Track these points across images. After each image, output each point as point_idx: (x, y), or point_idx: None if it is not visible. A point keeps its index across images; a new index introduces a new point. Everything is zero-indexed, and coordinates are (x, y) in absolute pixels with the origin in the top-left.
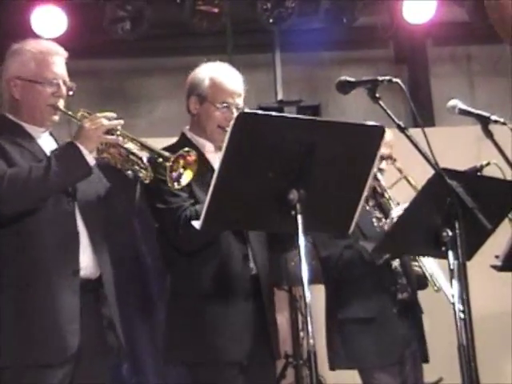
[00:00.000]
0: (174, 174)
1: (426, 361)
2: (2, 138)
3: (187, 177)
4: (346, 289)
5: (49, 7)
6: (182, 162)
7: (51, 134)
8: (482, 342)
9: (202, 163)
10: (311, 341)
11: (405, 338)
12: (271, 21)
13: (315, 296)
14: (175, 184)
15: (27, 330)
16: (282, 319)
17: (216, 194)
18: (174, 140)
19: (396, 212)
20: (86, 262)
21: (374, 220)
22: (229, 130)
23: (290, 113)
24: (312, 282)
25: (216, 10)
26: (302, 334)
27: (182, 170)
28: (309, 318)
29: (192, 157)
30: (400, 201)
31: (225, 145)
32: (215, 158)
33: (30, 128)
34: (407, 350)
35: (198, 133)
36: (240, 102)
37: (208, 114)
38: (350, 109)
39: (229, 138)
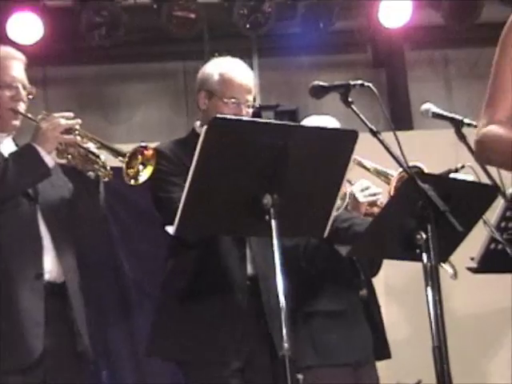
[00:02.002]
0: (131, 171)
1: (388, 357)
2: None
3: (147, 173)
4: (312, 280)
5: (25, 14)
6: (140, 157)
7: (14, 141)
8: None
9: None
10: (285, 344)
11: (370, 336)
12: (248, 26)
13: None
14: (132, 181)
15: None
16: None
17: (189, 200)
18: (154, 145)
19: (357, 188)
20: (50, 265)
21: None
22: (201, 135)
23: (267, 117)
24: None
25: (193, 16)
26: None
27: (140, 167)
28: (283, 322)
29: (149, 151)
30: None
31: (197, 150)
32: None
33: None
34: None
35: None
36: (250, 98)
37: (216, 110)
38: (329, 112)
39: (201, 143)
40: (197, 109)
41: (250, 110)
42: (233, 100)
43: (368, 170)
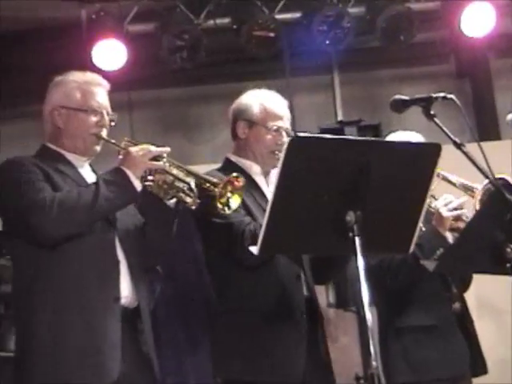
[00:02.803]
0: (223, 200)
1: (484, 372)
2: (45, 164)
3: (235, 201)
4: (401, 296)
5: (109, 41)
6: (229, 187)
7: (91, 166)
8: None
9: (250, 184)
10: (374, 363)
11: (466, 349)
12: (328, 42)
13: None
14: (226, 209)
15: (66, 356)
16: (351, 340)
17: (272, 219)
18: None
19: (440, 203)
20: (126, 290)
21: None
22: (282, 154)
23: (350, 133)
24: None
25: (272, 35)
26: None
27: (229, 195)
28: (371, 340)
29: (240, 182)
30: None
31: (279, 170)
32: (262, 181)
33: (71, 157)
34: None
35: (244, 156)
36: (288, 125)
37: (258, 138)
38: (412, 126)
39: (282, 162)
40: None
41: (288, 139)
42: (275, 127)
43: (453, 183)
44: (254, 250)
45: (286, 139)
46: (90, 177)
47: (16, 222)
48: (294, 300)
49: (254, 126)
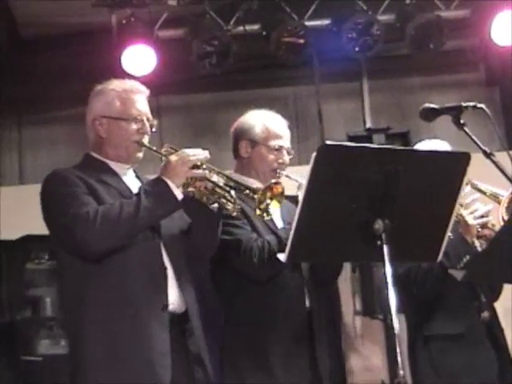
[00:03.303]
0: (262, 206)
1: None
2: (88, 175)
3: (274, 207)
4: (429, 304)
5: (138, 46)
6: (269, 193)
7: (135, 172)
8: None
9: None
10: (401, 371)
11: (494, 357)
12: (357, 49)
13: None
14: (265, 215)
15: (117, 366)
16: (377, 348)
17: (300, 227)
18: None
19: (465, 211)
20: (173, 296)
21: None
22: (311, 162)
23: (378, 140)
24: (401, 311)
25: (301, 41)
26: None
27: (269, 201)
28: (398, 348)
29: (279, 189)
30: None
31: (307, 177)
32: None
33: (115, 165)
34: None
35: (247, 174)
36: (289, 144)
37: (261, 157)
38: (441, 134)
39: (311, 170)
40: (307, 134)
41: (289, 158)
42: (277, 147)
43: (483, 192)
44: (282, 257)
45: (286, 158)
46: (133, 184)
47: (61, 235)
48: (294, 314)
49: (257, 145)
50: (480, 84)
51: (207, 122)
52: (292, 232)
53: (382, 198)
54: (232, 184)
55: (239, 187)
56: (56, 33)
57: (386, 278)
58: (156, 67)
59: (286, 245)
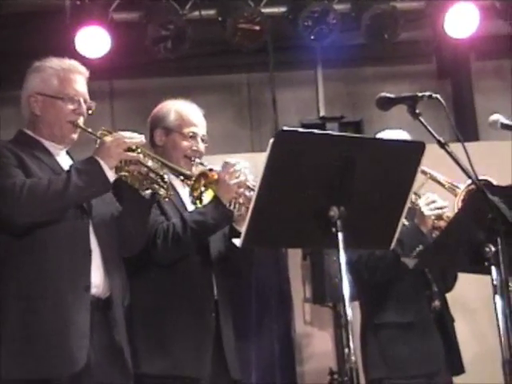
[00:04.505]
0: (196, 193)
1: (462, 371)
2: (20, 150)
3: (208, 195)
4: (380, 292)
5: (93, 28)
6: (203, 181)
7: (68, 154)
8: None
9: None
10: (353, 357)
11: (441, 347)
12: (313, 37)
13: (358, 313)
14: (197, 202)
15: (33, 343)
16: (326, 335)
17: (256, 212)
18: (218, 158)
19: (423, 201)
20: (97, 279)
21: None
22: (268, 148)
23: (331, 129)
24: (354, 298)
25: (258, 28)
26: (346, 350)
27: (203, 189)
28: (350, 335)
29: (214, 176)
30: None
31: (265, 163)
32: (179, 184)
33: (48, 144)
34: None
35: None
36: (204, 132)
37: (175, 145)
38: (393, 124)
39: (268, 156)
40: (261, 121)
41: (204, 145)
42: (191, 134)
43: (439, 183)
44: (237, 242)
45: (201, 145)
46: (67, 165)
47: None
48: (204, 301)
49: (171, 133)
50: (432, 76)
51: None
52: (248, 217)
53: (338, 185)
54: (166, 170)
55: (173, 173)
56: (9, 12)
57: (340, 265)
58: (110, 50)
59: (191, 228)
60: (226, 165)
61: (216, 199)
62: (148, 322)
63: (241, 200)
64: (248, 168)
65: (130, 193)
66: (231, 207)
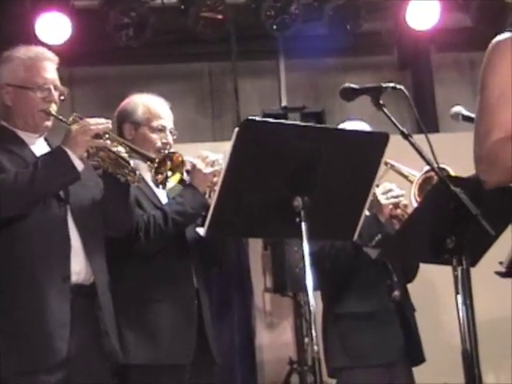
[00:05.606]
0: (160, 177)
1: (422, 360)
2: None
3: (175, 179)
4: (341, 282)
5: (53, 14)
6: (169, 164)
7: (46, 140)
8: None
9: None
10: (315, 347)
11: (401, 336)
12: (275, 27)
13: (319, 303)
14: (161, 186)
15: (13, 336)
16: (286, 325)
17: (220, 201)
18: (180, 147)
19: (380, 191)
20: (79, 267)
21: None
22: (233, 137)
23: (293, 119)
24: (315, 288)
25: (220, 17)
26: (306, 339)
27: (169, 173)
28: (313, 325)
29: (179, 158)
30: None
31: (229, 152)
32: (149, 177)
33: (23, 134)
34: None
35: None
36: (172, 125)
37: (144, 138)
38: (355, 115)
39: (233, 145)
40: (222, 110)
41: (173, 138)
42: (160, 127)
43: (401, 173)
44: (201, 231)
45: (170, 138)
46: (43, 152)
47: None
48: (184, 289)
49: (140, 127)
50: (393, 67)
51: (121, 95)
52: (212, 206)
53: (302, 175)
54: (133, 154)
55: (140, 157)
56: None
57: (303, 256)
58: (70, 37)
59: (172, 219)
60: (200, 155)
61: (192, 188)
62: (131, 313)
63: (216, 188)
64: (222, 159)
65: (106, 178)
66: (206, 196)
